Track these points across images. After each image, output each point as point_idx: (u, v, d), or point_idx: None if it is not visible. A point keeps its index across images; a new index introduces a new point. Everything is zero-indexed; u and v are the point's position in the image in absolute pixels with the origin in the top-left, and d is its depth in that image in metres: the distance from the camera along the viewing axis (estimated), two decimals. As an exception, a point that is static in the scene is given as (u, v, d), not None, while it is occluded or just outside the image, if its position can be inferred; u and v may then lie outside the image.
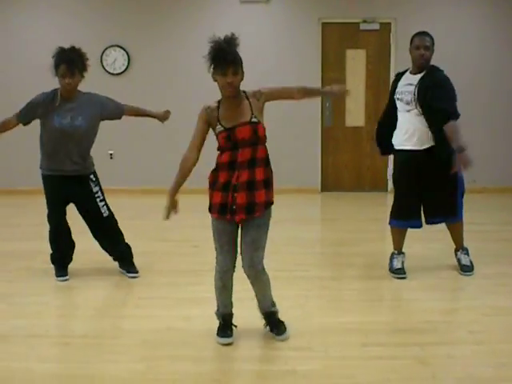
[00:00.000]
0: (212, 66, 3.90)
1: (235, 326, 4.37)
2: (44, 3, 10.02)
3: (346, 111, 10.02)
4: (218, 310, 4.38)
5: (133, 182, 10.11)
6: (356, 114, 10.01)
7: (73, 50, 5.36)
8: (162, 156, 9.98)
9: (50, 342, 4.38)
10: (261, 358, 4.06)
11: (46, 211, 5.66)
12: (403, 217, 5.70)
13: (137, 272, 5.76)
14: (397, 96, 5.61)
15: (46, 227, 5.74)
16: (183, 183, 4.06)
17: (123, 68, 10.04)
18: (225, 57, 3.84)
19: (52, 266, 5.73)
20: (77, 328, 4.69)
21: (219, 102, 4.03)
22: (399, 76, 5.74)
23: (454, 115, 5.32)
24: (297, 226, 7.95)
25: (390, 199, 6.44)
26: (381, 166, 9.92)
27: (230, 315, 4.38)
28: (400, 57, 9.14)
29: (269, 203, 4.10)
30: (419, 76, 5.49)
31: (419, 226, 5.72)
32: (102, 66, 10.00)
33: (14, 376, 3.83)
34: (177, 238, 7.08)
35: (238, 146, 3.95)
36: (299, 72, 9.87)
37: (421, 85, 5.42)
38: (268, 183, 4.08)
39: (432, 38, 5.52)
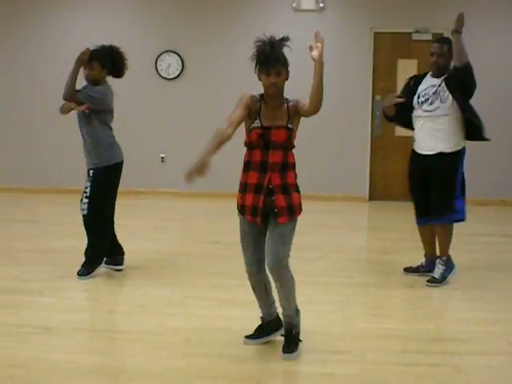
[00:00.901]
0: (257, 67, 3.98)
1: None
2: (99, 10, 10.29)
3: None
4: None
5: (184, 185, 10.18)
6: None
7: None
8: (213, 160, 10.06)
9: (95, 336, 4.51)
10: (300, 360, 4.10)
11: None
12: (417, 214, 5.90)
13: (81, 275, 5.76)
14: (420, 99, 5.69)
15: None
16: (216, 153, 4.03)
17: (177, 73, 10.24)
18: (269, 57, 3.90)
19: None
20: (122, 324, 4.84)
21: (261, 97, 4.07)
22: (418, 79, 5.84)
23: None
24: (343, 233, 8.00)
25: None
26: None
27: (264, 318, 4.37)
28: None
29: (299, 205, 4.14)
30: (442, 78, 5.65)
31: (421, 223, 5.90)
32: (157, 71, 10.22)
33: (59, 368, 3.95)
34: (226, 241, 7.12)
35: (269, 147, 4.02)
36: (350, 81, 9.93)
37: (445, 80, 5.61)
38: (297, 187, 4.13)
39: (448, 45, 5.69)
